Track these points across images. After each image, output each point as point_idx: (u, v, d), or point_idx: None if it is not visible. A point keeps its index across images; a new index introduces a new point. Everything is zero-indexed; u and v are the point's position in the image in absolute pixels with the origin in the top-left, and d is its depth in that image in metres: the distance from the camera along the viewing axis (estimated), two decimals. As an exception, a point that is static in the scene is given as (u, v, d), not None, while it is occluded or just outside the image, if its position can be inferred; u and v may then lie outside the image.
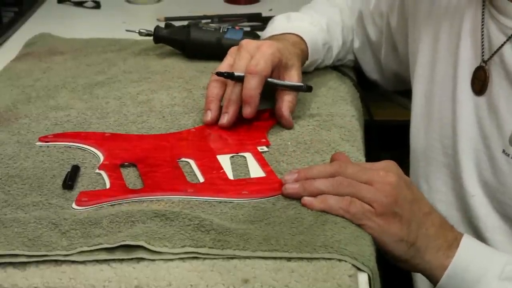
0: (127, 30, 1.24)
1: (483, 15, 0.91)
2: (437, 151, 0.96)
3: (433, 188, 0.97)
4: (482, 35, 0.90)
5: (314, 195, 0.80)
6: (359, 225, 0.78)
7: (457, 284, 0.81)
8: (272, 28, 1.10)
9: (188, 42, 1.20)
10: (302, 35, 1.07)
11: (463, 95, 0.92)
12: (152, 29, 1.22)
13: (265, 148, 0.92)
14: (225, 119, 0.95)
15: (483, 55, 0.90)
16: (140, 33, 1.22)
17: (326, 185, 0.79)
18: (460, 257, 0.81)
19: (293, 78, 0.99)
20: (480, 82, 0.90)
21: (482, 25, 0.90)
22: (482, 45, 0.90)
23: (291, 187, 0.81)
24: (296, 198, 0.81)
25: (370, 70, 1.20)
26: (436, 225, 0.81)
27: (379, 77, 1.20)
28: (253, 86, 0.93)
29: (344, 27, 1.16)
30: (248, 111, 0.94)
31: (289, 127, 0.97)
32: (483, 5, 0.91)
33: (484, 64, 0.90)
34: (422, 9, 1.01)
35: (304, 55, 1.06)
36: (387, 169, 0.80)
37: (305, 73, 1.10)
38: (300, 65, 1.02)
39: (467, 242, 0.82)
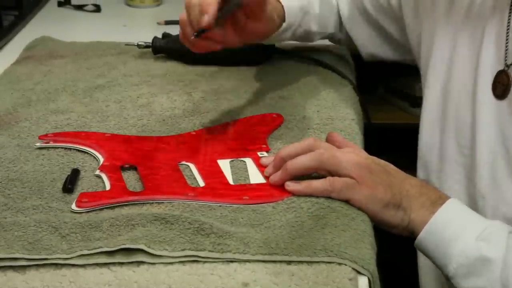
0: (126, 44, 1.26)
1: (509, 18, 0.90)
2: (452, 149, 0.96)
3: (445, 185, 0.96)
4: (507, 38, 0.90)
5: (299, 174, 0.83)
6: (347, 201, 0.81)
7: (435, 240, 0.82)
8: None
9: (186, 50, 1.20)
10: None
11: (484, 98, 0.91)
12: (152, 34, 1.22)
13: (265, 154, 0.92)
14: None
15: (506, 59, 0.90)
16: (139, 46, 1.24)
17: (309, 159, 0.83)
18: (442, 214, 0.83)
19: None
20: (502, 86, 0.89)
21: (508, 28, 0.90)
22: (506, 49, 0.89)
23: (275, 177, 0.84)
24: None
25: (365, 40, 1.17)
26: (416, 185, 0.85)
27: (375, 47, 1.17)
28: None
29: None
30: (205, 19, 0.88)
31: None
32: (510, 8, 0.90)
33: (507, 68, 0.89)
34: (440, 6, 0.99)
35: (279, 13, 1.04)
36: (355, 151, 0.86)
37: (305, 76, 1.10)
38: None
39: (453, 202, 0.84)
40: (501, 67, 0.90)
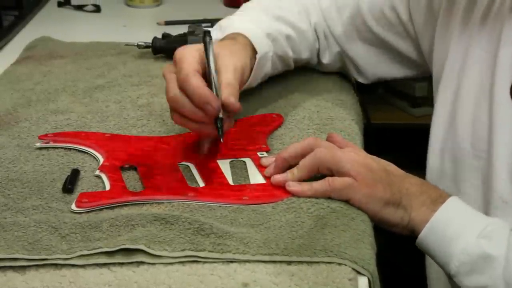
0: (126, 44, 1.26)
1: None
2: (467, 153, 0.94)
3: (461, 190, 0.95)
4: None
5: (304, 177, 0.83)
6: (347, 201, 0.81)
7: (437, 239, 0.83)
8: None
9: None
10: (238, 30, 0.98)
11: (501, 99, 0.90)
12: (152, 35, 1.23)
13: (265, 154, 0.92)
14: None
15: None
16: (139, 46, 1.24)
17: (310, 160, 0.83)
18: (443, 212, 0.83)
19: (228, 65, 0.90)
20: None
21: None
22: None
23: (278, 177, 0.84)
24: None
25: (370, 63, 1.12)
26: (416, 184, 0.85)
27: (384, 68, 1.13)
28: (194, 85, 0.84)
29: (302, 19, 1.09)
30: (210, 109, 0.84)
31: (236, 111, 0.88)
32: None
33: None
34: (459, 8, 0.97)
35: (245, 48, 0.96)
36: (354, 151, 0.86)
37: (305, 76, 1.09)
38: (236, 51, 0.94)
39: (454, 201, 0.84)
40: None
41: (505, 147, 0.89)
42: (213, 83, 0.86)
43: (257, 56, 0.99)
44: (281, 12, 1.08)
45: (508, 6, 0.90)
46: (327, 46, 1.13)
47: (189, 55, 0.87)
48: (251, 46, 0.98)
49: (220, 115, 0.86)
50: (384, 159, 0.87)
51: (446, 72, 0.98)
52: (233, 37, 0.98)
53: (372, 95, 1.27)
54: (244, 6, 1.12)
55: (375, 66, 1.13)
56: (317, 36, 1.12)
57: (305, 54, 1.11)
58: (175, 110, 0.87)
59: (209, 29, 0.93)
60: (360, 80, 1.16)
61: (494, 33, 0.92)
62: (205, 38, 0.88)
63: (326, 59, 1.14)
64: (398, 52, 1.10)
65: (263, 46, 1.00)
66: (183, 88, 0.85)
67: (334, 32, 1.12)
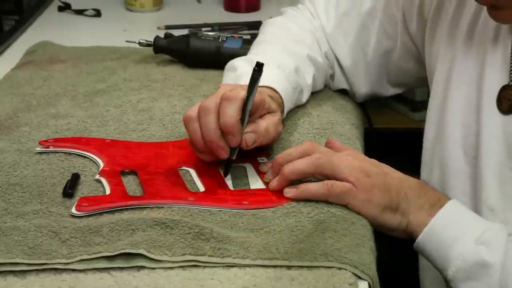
0: (127, 41, 1.25)
1: None
2: (457, 159, 0.94)
3: (450, 196, 0.93)
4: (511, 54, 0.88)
5: (296, 178, 0.83)
6: (345, 206, 0.81)
7: (434, 243, 0.83)
8: (237, 76, 0.99)
9: (187, 51, 1.20)
10: (273, 85, 0.97)
11: (489, 112, 0.90)
12: (152, 38, 1.22)
13: (265, 159, 0.92)
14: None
15: (511, 74, 0.88)
16: (140, 44, 1.23)
17: (305, 164, 0.83)
18: (441, 216, 0.83)
19: (273, 122, 0.91)
20: (508, 101, 0.88)
21: None
22: (511, 63, 0.88)
23: (273, 183, 0.84)
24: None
25: (375, 86, 1.13)
26: (414, 187, 0.85)
27: (385, 84, 1.14)
28: (229, 114, 0.84)
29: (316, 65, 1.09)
30: (233, 141, 0.85)
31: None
32: None
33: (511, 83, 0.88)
34: (444, 16, 0.98)
35: (279, 104, 0.97)
36: (353, 155, 0.86)
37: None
38: (280, 113, 0.95)
39: (452, 204, 0.84)
40: (505, 82, 0.89)
41: (494, 156, 0.89)
42: (246, 117, 0.85)
43: (283, 115, 0.98)
44: (300, 48, 1.07)
45: (491, 29, 0.90)
46: (336, 71, 1.13)
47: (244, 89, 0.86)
48: (282, 103, 0.98)
49: (233, 157, 0.86)
50: (386, 163, 0.87)
51: (436, 78, 0.98)
52: (272, 95, 0.96)
53: (373, 100, 1.27)
54: (260, 41, 1.10)
55: (372, 87, 1.13)
56: (329, 63, 1.12)
57: (319, 86, 1.12)
58: (199, 117, 0.85)
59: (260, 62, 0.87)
60: (355, 100, 1.15)
61: (479, 53, 0.91)
62: (255, 73, 0.85)
63: (335, 81, 1.14)
64: (400, 69, 1.10)
65: (288, 102, 1.00)
66: (220, 104, 0.84)
67: (342, 62, 1.11)
